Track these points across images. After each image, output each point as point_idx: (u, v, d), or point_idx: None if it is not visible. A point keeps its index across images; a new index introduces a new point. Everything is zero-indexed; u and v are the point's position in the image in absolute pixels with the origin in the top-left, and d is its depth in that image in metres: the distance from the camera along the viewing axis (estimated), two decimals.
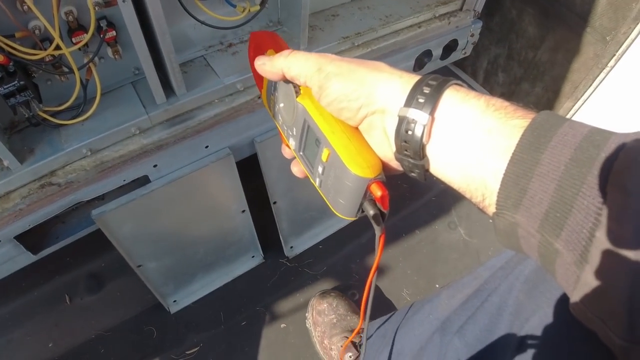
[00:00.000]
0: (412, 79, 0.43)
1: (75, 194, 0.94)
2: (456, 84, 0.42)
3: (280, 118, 0.56)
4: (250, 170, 1.16)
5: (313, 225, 1.40)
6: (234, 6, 1.04)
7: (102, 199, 1.05)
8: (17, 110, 0.88)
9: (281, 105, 0.54)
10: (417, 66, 1.40)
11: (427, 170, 0.44)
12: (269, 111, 0.62)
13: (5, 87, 0.82)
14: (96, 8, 0.82)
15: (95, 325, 1.28)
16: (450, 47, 1.42)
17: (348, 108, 0.45)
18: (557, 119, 0.36)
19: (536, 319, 0.57)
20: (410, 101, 0.41)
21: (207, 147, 1.04)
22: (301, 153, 0.53)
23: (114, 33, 0.89)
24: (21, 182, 0.91)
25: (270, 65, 0.52)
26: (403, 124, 0.41)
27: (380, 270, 1.37)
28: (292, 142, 0.53)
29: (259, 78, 0.62)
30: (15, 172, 0.89)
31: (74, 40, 0.85)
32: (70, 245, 1.07)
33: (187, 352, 1.23)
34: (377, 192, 0.44)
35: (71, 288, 1.33)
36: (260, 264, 1.37)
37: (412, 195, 1.53)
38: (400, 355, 0.90)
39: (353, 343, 1.14)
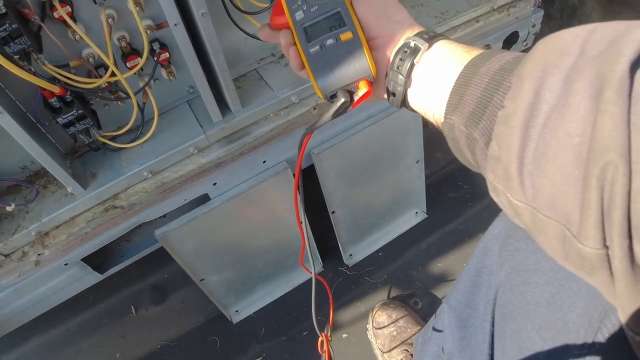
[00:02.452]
0: (422, 26, 0.54)
1: (138, 216, 0.95)
2: (448, 38, 0.52)
3: None
4: (306, 181, 1.14)
5: (372, 232, 1.37)
6: None
7: (164, 216, 1.06)
8: (77, 138, 0.89)
9: None
10: None
11: (405, 93, 0.52)
12: None
13: (64, 117, 0.83)
14: (148, 31, 0.81)
15: (160, 336, 1.31)
16: (510, 40, 1.34)
17: (387, 14, 0.54)
18: (498, 50, 0.44)
19: (503, 272, 0.65)
20: (416, 35, 0.51)
21: (264, 162, 1.03)
22: (305, 25, 0.56)
23: (167, 55, 0.88)
24: (85, 207, 0.92)
25: None
26: (405, 46, 0.51)
27: (442, 276, 1.32)
28: (299, 14, 0.57)
29: None
30: (79, 198, 0.90)
31: (128, 64, 0.85)
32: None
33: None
34: (364, 87, 0.53)
35: (136, 300, 1.36)
36: (320, 273, 1.36)
37: (473, 197, 1.47)
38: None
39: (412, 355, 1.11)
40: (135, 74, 0.86)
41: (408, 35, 0.52)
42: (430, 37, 0.50)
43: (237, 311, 1.30)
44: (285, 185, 1.08)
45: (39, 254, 0.91)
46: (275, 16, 0.61)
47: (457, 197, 1.48)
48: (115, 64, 0.81)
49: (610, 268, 0.31)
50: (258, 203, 1.08)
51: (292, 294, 1.33)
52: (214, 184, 0.99)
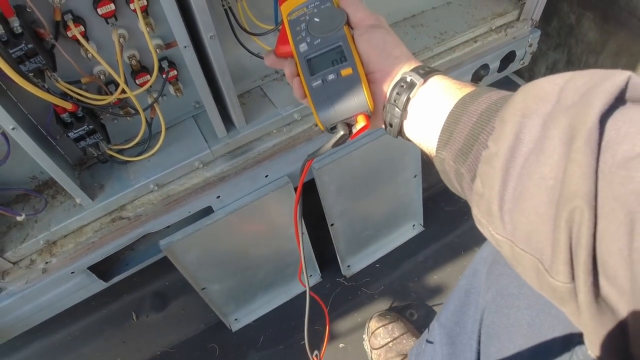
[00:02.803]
0: (419, 61, 0.56)
1: (144, 227, 0.98)
2: (443, 73, 0.54)
3: (302, 26, 0.61)
4: (305, 193, 1.17)
5: (370, 244, 1.40)
6: None
7: (168, 227, 1.09)
8: (87, 151, 0.92)
9: (316, 19, 0.60)
10: (474, 80, 1.36)
11: (402, 124, 0.54)
12: (284, 17, 0.64)
13: (75, 131, 0.86)
14: (158, 50, 0.84)
15: (160, 342, 1.33)
16: (508, 59, 1.38)
17: (386, 50, 0.56)
18: (489, 89, 0.46)
19: (489, 295, 0.70)
20: (413, 70, 0.53)
21: (266, 176, 1.06)
22: (308, 57, 0.58)
23: (175, 72, 0.91)
24: (93, 217, 0.95)
25: None
26: (402, 81, 0.53)
27: (438, 288, 1.35)
28: (303, 46, 0.59)
29: None
30: (87, 209, 0.93)
31: (137, 81, 0.88)
32: None
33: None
34: (362, 120, 0.55)
35: (138, 306, 1.38)
36: (318, 283, 1.38)
37: (469, 211, 1.48)
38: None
39: None
40: (144, 91, 0.89)
41: (405, 69, 0.54)
42: (426, 73, 0.52)
43: (236, 319, 1.32)
44: (286, 198, 1.11)
45: (47, 262, 0.94)
46: (280, 45, 0.64)
47: (453, 210, 1.51)
48: (126, 82, 0.84)
49: (577, 300, 0.34)
50: (260, 215, 1.11)
51: (291, 303, 1.36)
52: (218, 196, 1.02)
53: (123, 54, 0.85)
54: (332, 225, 1.24)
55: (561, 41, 1.57)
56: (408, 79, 0.52)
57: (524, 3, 1.28)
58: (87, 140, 0.88)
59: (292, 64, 0.60)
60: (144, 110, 0.89)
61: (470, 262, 0.82)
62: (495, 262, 0.70)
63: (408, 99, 0.52)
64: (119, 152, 0.96)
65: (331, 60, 0.57)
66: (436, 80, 0.52)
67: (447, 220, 1.48)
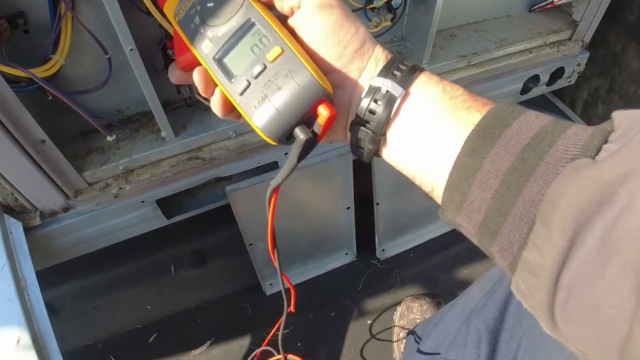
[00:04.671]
0: (387, 53, 0.42)
1: (216, 170, 1.05)
2: (425, 70, 0.42)
3: (195, 20, 0.45)
4: (358, 171, 1.24)
5: (407, 232, 1.46)
6: (370, 20, 1.13)
7: (229, 179, 1.15)
8: (180, 90, 0.99)
9: (210, 5, 0.44)
10: (523, 92, 1.45)
11: (378, 149, 0.42)
12: (171, 19, 0.48)
13: None
14: None
15: (195, 297, 1.38)
16: (556, 75, 1.46)
17: (343, 42, 0.40)
18: (507, 117, 0.36)
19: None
20: (386, 72, 0.40)
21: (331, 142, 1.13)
22: (217, 56, 0.43)
23: None
24: (172, 153, 1.02)
25: None
26: (374, 93, 0.39)
27: (467, 283, 1.40)
28: (206, 46, 0.43)
29: None
30: (169, 143, 1.00)
31: None
32: (183, 223, 1.18)
33: (278, 333, 1.30)
34: (324, 110, 0.39)
35: (177, 260, 1.44)
36: (352, 262, 1.44)
37: None
38: (434, 351, 0.97)
39: None
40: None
41: (372, 69, 0.41)
42: (405, 75, 0.40)
43: (271, 284, 1.37)
44: (344, 167, 1.17)
45: (120, 188, 1.00)
46: (179, 55, 0.49)
47: None
48: None
49: None
50: (318, 179, 1.17)
51: (325, 276, 1.42)
52: (286, 153, 1.09)
53: None
54: (377, 204, 1.30)
55: (605, 68, 1.65)
56: (383, 90, 0.39)
57: (577, 25, 1.38)
58: None
59: (203, 72, 0.44)
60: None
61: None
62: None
63: (388, 121, 0.40)
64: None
65: (250, 48, 0.42)
66: (422, 90, 0.40)
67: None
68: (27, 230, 0.97)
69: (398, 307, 1.32)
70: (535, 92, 1.47)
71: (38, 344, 0.82)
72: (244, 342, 1.30)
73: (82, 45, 0.90)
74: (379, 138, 0.41)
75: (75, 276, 1.42)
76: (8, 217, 0.93)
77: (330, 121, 0.39)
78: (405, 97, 0.39)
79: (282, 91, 0.39)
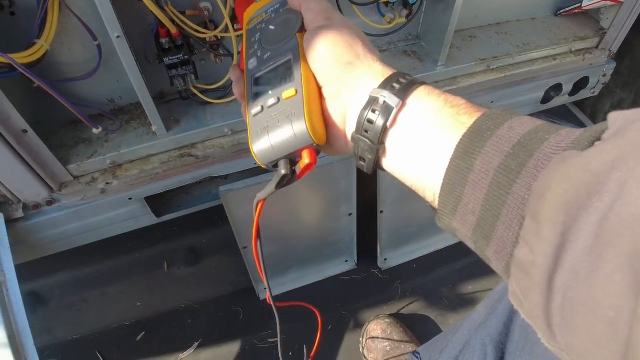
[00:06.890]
0: (389, 69, 0.45)
1: (209, 169, 0.99)
2: (427, 85, 0.43)
3: (257, 36, 0.52)
4: (362, 177, 1.17)
5: (410, 242, 1.39)
6: (383, 15, 1.06)
7: (225, 178, 1.09)
8: (174, 82, 0.93)
9: (271, 27, 0.51)
10: (544, 101, 1.36)
11: (378, 159, 0.43)
12: (244, 24, 0.57)
13: (171, 58, 0.87)
14: None
15: (186, 296, 1.33)
16: (580, 84, 1.38)
17: (336, 61, 0.44)
18: (498, 119, 0.36)
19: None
20: (385, 85, 0.42)
21: None
22: (257, 75, 0.49)
23: None
24: (163, 148, 0.96)
25: None
26: (372, 104, 0.41)
27: (472, 299, 1.33)
28: (252, 62, 0.50)
29: None
30: (161, 138, 0.95)
31: (236, 27, 0.89)
32: (178, 219, 1.12)
33: (269, 340, 1.25)
34: (306, 157, 0.44)
35: (171, 257, 1.38)
36: (352, 270, 1.38)
37: None
38: None
39: None
40: (238, 36, 0.90)
41: (367, 81, 0.43)
42: (403, 88, 0.41)
43: (265, 288, 1.32)
44: (348, 172, 1.11)
45: (107, 183, 0.95)
46: (242, 58, 0.54)
47: None
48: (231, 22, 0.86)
49: None
50: (319, 183, 1.11)
51: (321, 284, 1.35)
52: None
53: None
54: (381, 212, 1.23)
55: (630, 80, 1.56)
56: (381, 101, 0.41)
57: (605, 33, 1.29)
58: (179, 70, 0.89)
59: (242, 83, 0.50)
60: (238, 53, 0.91)
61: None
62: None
63: (385, 130, 0.41)
64: (201, 92, 0.97)
65: (279, 79, 0.46)
66: (419, 100, 0.41)
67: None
68: (9, 222, 0.93)
69: (361, 339, 1.26)
70: (557, 101, 1.39)
71: (14, 342, 0.79)
72: (233, 348, 1.24)
73: (70, 30, 0.85)
74: (377, 147, 0.42)
75: (67, 266, 1.37)
76: None
77: (308, 168, 0.44)
78: (402, 107, 0.41)
79: (280, 130, 0.43)
